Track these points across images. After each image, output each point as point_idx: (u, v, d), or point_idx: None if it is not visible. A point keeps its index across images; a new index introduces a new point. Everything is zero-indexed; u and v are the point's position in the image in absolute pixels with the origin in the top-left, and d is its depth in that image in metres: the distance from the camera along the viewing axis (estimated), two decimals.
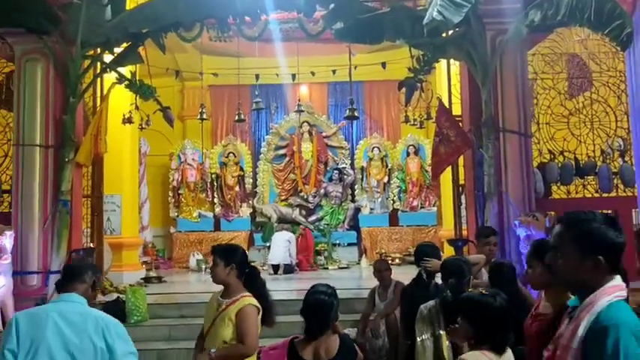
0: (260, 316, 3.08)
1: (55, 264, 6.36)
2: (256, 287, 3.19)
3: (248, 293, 3.11)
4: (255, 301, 3.07)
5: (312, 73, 11.24)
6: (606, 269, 1.76)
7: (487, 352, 2.38)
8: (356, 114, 9.72)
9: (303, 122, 13.60)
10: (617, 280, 1.78)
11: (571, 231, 1.83)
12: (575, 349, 1.70)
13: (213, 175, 13.51)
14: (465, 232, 7.34)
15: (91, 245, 7.40)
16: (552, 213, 6.80)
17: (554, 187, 7.14)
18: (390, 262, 9.32)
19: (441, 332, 3.17)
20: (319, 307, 2.80)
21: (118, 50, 7.07)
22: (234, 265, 3.14)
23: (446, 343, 3.14)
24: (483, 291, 2.55)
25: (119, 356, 2.50)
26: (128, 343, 2.61)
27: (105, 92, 7.28)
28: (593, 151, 7.24)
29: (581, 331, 1.70)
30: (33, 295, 6.12)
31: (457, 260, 3.42)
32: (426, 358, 3.21)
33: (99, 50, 6.89)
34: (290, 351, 2.78)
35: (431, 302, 3.29)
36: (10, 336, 2.43)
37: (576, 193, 7.20)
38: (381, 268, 5.77)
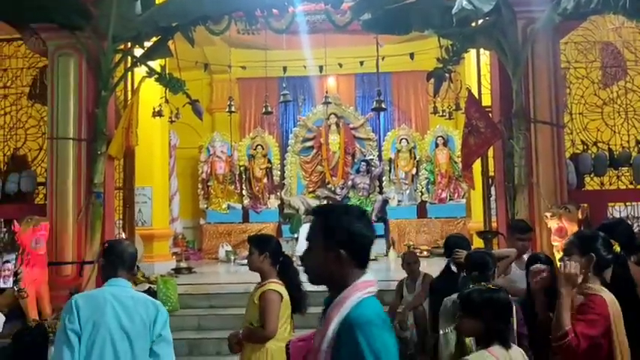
0: (285, 303, 3.22)
1: (89, 255, 6.51)
2: (288, 275, 3.29)
3: (277, 280, 3.23)
4: (279, 288, 3.18)
5: (340, 65, 11.21)
6: (351, 263, 1.67)
7: (495, 349, 2.35)
8: (383, 105, 9.66)
9: (330, 114, 13.58)
10: (368, 275, 1.69)
11: (319, 222, 1.76)
12: (325, 350, 1.60)
13: (242, 168, 13.62)
14: (494, 224, 7.26)
15: (123, 236, 7.54)
16: (585, 205, 6.67)
17: (587, 179, 7.01)
18: (418, 254, 9.31)
19: None
20: None
21: (148, 44, 7.17)
22: (268, 253, 3.31)
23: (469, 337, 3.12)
24: (490, 286, 2.53)
25: (164, 340, 2.70)
26: (169, 329, 2.77)
27: (135, 86, 7.38)
28: (628, 142, 7.07)
29: (330, 331, 1.61)
30: (67, 285, 6.27)
31: (481, 253, 3.38)
32: (449, 350, 3.20)
33: (129, 44, 6.99)
34: None
35: (454, 295, 3.27)
36: (72, 317, 2.56)
37: (610, 184, 7.05)
38: (410, 261, 5.75)
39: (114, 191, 7.35)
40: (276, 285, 3.22)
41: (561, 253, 2.88)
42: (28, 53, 7.40)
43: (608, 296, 2.48)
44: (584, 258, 2.56)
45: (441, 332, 3.28)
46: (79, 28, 6.52)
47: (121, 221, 7.74)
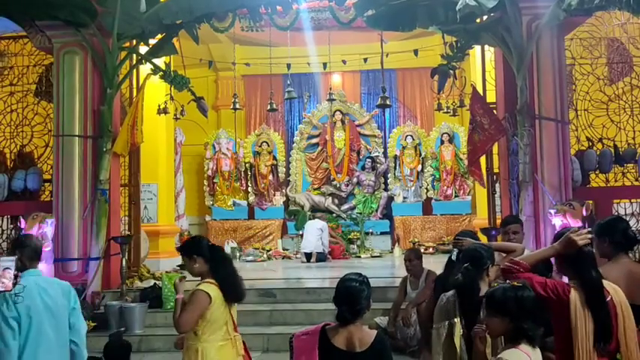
0: (216, 305, 3.13)
1: (95, 251, 6.57)
2: (221, 267, 3.27)
3: (211, 280, 3.20)
4: (209, 287, 3.13)
5: (344, 62, 11.21)
6: None
7: (524, 347, 2.36)
8: (388, 102, 9.65)
9: (335, 111, 13.59)
10: None
11: None
12: None
13: (247, 164, 13.64)
14: (499, 221, 7.24)
15: (129, 233, 7.59)
16: (590, 202, 6.65)
17: (592, 176, 6.98)
18: (423, 251, 9.32)
19: (456, 320, 3.15)
20: (350, 294, 2.82)
21: (153, 42, 7.20)
22: (195, 255, 3.27)
23: (459, 332, 3.12)
24: (515, 283, 2.52)
25: (77, 310, 3.22)
26: (78, 301, 3.29)
27: (141, 83, 7.42)
28: (634, 138, 7.03)
29: None
30: (73, 281, 6.25)
31: (476, 246, 3.36)
32: (440, 345, 3.21)
33: (134, 42, 7.02)
34: (321, 337, 2.81)
35: (451, 292, 3.26)
36: (9, 306, 2.96)
37: (615, 181, 7.02)
38: (411, 257, 5.75)
39: (119, 188, 7.41)
40: (207, 285, 3.17)
41: None
42: (34, 51, 7.45)
43: (578, 290, 2.53)
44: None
45: (435, 326, 3.28)
46: (84, 25, 6.56)
47: (126, 218, 7.78)
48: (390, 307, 5.95)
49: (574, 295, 2.52)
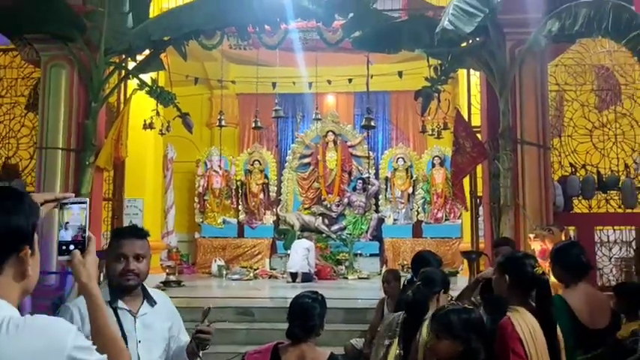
0: None
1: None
2: None
3: None
4: None
5: (329, 82, 11.31)
6: None
7: None
8: (373, 123, 9.68)
9: (328, 131, 13.64)
10: None
11: None
12: None
13: (239, 182, 13.64)
14: (481, 245, 7.22)
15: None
16: (572, 228, 6.64)
17: (575, 202, 6.96)
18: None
19: (394, 340, 3.11)
20: (303, 310, 2.79)
21: (141, 57, 7.24)
22: None
23: (394, 351, 3.08)
24: (466, 305, 2.50)
25: None
26: None
27: (127, 97, 7.45)
28: (617, 166, 7.03)
29: None
30: (50, 295, 6.27)
31: (434, 270, 3.35)
32: None
33: (122, 57, 7.06)
34: (273, 356, 2.77)
35: (398, 312, 3.23)
36: None
37: (599, 208, 7.00)
38: (389, 279, 5.69)
39: (102, 202, 7.38)
40: None
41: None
42: (23, 64, 7.49)
43: (518, 316, 2.46)
44: (502, 277, 2.59)
45: (375, 344, 3.25)
46: (71, 39, 6.60)
47: (108, 233, 7.74)
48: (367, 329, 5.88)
49: (518, 326, 2.46)
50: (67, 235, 1.55)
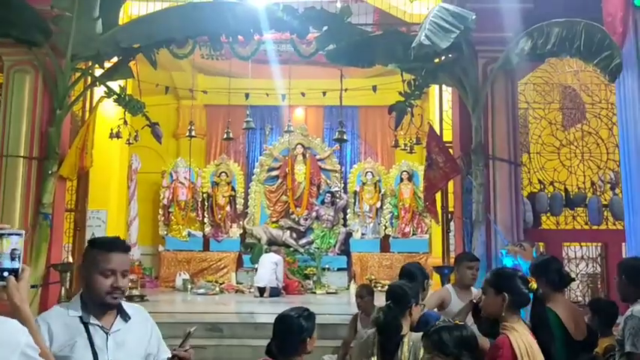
0: None
1: (32, 278, 6.22)
2: None
3: None
4: None
5: (303, 94, 11.27)
6: None
7: None
8: (345, 137, 9.68)
9: (297, 144, 13.57)
10: None
11: None
12: None
13: (205, 195, 13.40)
14: (452, 260, 7.23)
15: (71, 260, 7.25)
16: (541, 244, 6.72)
17: (543, 218, 7.07)
18: (380, 289, 9.20)
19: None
20: (284, 327, 2.67)
21: (109, 65, 7.04)
22: None
23: None
24: (457, 322, 2.45)
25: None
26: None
27: (94, 105, 7.23)
28: (584, 183, 7.18)
29: None
30: (7, 309, 5.96)
31: (401, 283, 3.26)
32: None
33: (89, 63, 6.85)
34: None
35: (372, 329, 3.13)
36: None
37: (566, 224, 7.12)
38: (362, 294, 5.61)
39: (64, 213, 7.10)
40: None
41: None
42: None
43: (517, 335, 2.44)
44: (498, 297, 2.55)
45: None
46: (37, 44, 6.37)
47: (70, 245, 7.46)
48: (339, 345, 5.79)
49: (516, 345, 2.43)
50: (4, 263, 1.73)
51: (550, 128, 7.24)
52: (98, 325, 2.19)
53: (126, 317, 2.25)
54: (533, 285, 2.56)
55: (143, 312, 2.38)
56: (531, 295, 2.60)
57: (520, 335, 2.42)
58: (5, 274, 1.70)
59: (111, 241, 2.23)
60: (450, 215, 7.30)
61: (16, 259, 1.74)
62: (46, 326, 2.11)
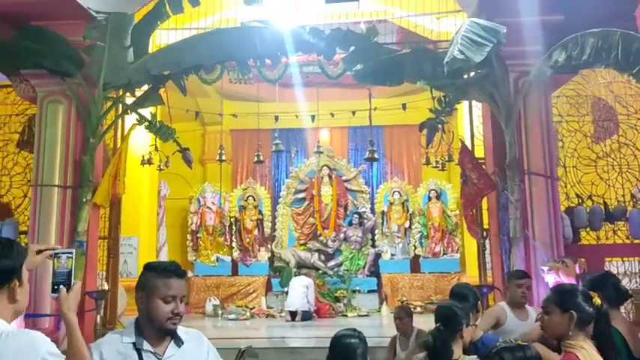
0: None
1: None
2: None
3: None
4: None
5: (332, 115, 11.29)
6: None
7: None
8: (376, 156, 9.61)
9: (322, 166, 13.55)
10: None
11: None
12: None
13: (232, 219, 13.42)
14: (489, 279, 7.06)
15: (106, 288, 7.27)
16: (582, 259, 6.51)
17: (582, 233, 6.87)
18: (414, 310, 9.02)
19: None
20: (346, 351, 2.60)
21: (139, 92, 7.12)
22: None
23: None
24: (519, 342, 2.34)
25: None
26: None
27: (125, 133, 7.30)
28: (623, 196, 6.98)
29: None
30: None
31: (451, 304, 3.15)
32: None
33: (120, 92, 6.94)
34: None
35: (422, 353, 3.01)
36: None
37: (606, 239, 6.91)
38: (401, 315, 5.50)
39: (98, 241, 7.14)
40: None
41: None
42: (17, 100, 7.34)
43: (585, 353, 2.34)
44: (564, 315, 2.43)
45: None
46: (69, 74, 6.48)
47: (104, 272, 7.47)
48: None
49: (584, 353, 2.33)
50: (58, 278, 2.10)
51: (585, 141, 7.09)
52: (151, 352, 2.16)
53: (179, 342, 2.22)
54: (597, 301, 2.45)
55: (199, 336, 2.35)
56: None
57: (588, 354, 2.31)
58: (60, 286, 2.06)
59: (170, 267, 2.23)
60: (485, 232, 7.14)
61: (68, 274, 2.11)
62: (98, 353, 2.12)
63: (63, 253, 2.16)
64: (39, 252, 2.20)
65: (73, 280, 2.10)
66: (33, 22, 6.52)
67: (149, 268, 2.26)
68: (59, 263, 2.14)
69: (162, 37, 8.90)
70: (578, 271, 5.56)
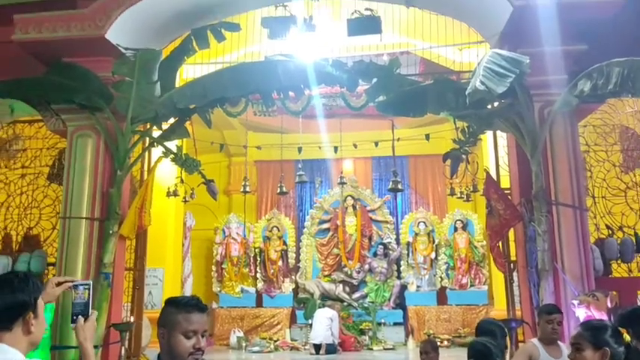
0: None
1: (94, 339, 6.25)
2: None
3: None
4: None
5: (355, 146, 11.31)
6: None
7: None
8: (400, 186, 9.57)
9: (346, 196, 13.53)
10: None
11: None
12: None
13: (257, 250, 13.42)
14: (518, 312, 6.88)
15: (131, 319, 7.29)
16: (614, 293, 6.32)
17: (614, 265, 6.68)
18: (438, 343, 8.83)
19: None
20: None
21: (166, 125, 7.26)
22: None
23: None
24: None
25: None
26: None
27: (152, 166, 7.41)
28: None
29: None
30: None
31: (485, 340, 3.06)
32: None
33: (147, 125, 7.08)
34: None
35: None
36: None
37: (639, 271, 6.70)
38: (428, 349, 5.36)
39: (124, 272, 7.20)
40: None
41: None
42: (48, 134, 7.53)
43: None
44: (597, 352, 2.34)
45: None
46: (99, 109, 6.63)
47: (129, 304, 7.51)
48: None
49: None
50: (76, 308, 2.20)
51: (614, 170, 6.95)
52: None
53: None
54: (627, 337, 2.37)
55: None
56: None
57: None
58: (76, 317, 2.16)
59: (191, 302, 2.23)
60: (512, 264, 6.99)
61: (85, 305, 2.20)
62: None
63: (81, 284, 2.27)
64: (58, 284, 2.38)
65: (90, 311, 2.20)
66: (64, 59, 6.75)
67: (170, 303, 2.26)
68: (77, 294, 2.23)
69: (188, 72, 9.09)
70: (609, 305, 5.39)
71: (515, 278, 7.13)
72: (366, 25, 7.48)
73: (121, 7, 6.71)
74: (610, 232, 6.71)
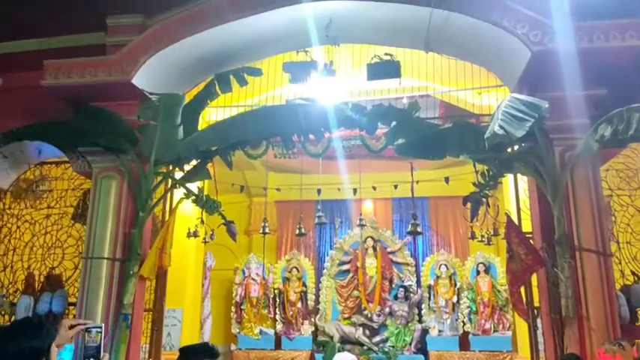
0: None
1: None
2: None
3: None
4: None
5: (374, 188, 11.32)
6: None
7: None
8: (419, 229, 9.52)
9: (367, 237, 13.44)
10: None
11: None
12: None
13: (276, 291, 13.34)
14: None
15: None
16: None
17: None
18: None
19: None
20: None
21: (187, 167, 7.38)
22: None
23: None
24: None
25: None
26: None
27: (173, 207, 7.51)
28: None
29: None
30: None
31: None
32: None
33: (170, 167, 7.21)
34: None
35: None
36: None
37: None
38: None
39: (143, 313, 7.21)
40: None
41: None
42: (73, 175, 7.71)
43: None
44: None
45: None
46: (124, 151, 6.80)
47: (147, 345, 7.49)
48: None
49: None
50: (88, 351, 2.30)
51: (638, 215, 6.82)
52: None
53: None
54: None
55: None
56: None
57: None
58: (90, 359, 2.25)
59: (204, 349, 2.27)
60: (536, 311, 6.84)
61: (97, 348, 2.30)
62: None
63: (93, 327, 2.37)
64: (71, 327, 2.47)
65: (102, 354, 2.34)
66: (92, 103, 6.96)
67: (182, 351, 2.32)
68: (89, 337, 2.33)
69: (211, 114, 9.29)
70: (635, 355, 5.23)
71: (540, 324, 6.96)
72: (385, 69, 7.59)
73: (147, 53, 6.95)
74: (636, 278, 6.56)
